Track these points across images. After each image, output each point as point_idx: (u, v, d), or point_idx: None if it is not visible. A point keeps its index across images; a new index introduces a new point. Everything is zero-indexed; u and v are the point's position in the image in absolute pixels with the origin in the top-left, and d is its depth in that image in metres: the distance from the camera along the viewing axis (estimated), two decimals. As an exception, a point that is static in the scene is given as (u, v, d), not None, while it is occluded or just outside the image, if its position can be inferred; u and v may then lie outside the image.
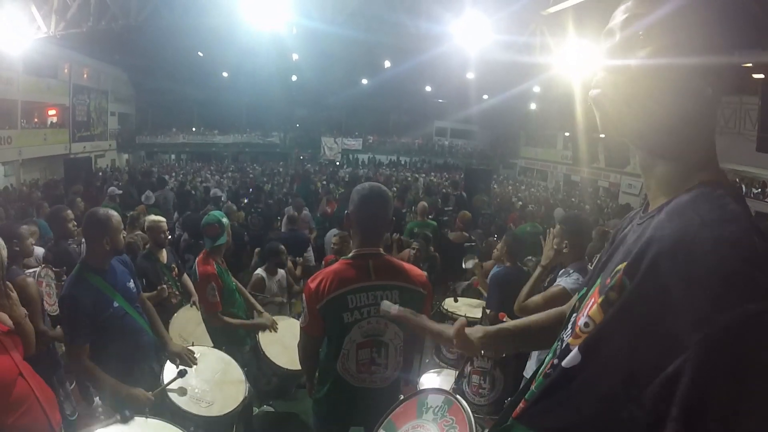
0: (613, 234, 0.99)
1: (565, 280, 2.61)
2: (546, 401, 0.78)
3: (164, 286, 3.61)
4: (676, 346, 0.56)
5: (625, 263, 0.69)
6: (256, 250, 5.19)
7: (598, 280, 0.83)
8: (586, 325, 0.70)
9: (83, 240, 3.32)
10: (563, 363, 0.73)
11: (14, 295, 1.65)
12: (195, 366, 2.61)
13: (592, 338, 0.69)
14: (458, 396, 1.40)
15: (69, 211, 4.05)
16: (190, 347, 2.73)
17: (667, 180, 0.74)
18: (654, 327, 0.59)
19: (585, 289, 0.96)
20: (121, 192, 8.90)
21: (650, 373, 0.58)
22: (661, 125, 0.71)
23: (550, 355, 0.90)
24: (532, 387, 0.84)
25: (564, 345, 0.78)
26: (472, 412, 1.29)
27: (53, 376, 3.05)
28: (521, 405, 0.86)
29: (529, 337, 1.15)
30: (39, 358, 2.55)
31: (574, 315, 0.87)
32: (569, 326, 0.85)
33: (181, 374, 2.44)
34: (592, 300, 0.78)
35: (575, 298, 1.02)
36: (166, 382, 2.43)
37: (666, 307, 0.58)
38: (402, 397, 1.43)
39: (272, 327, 3.32)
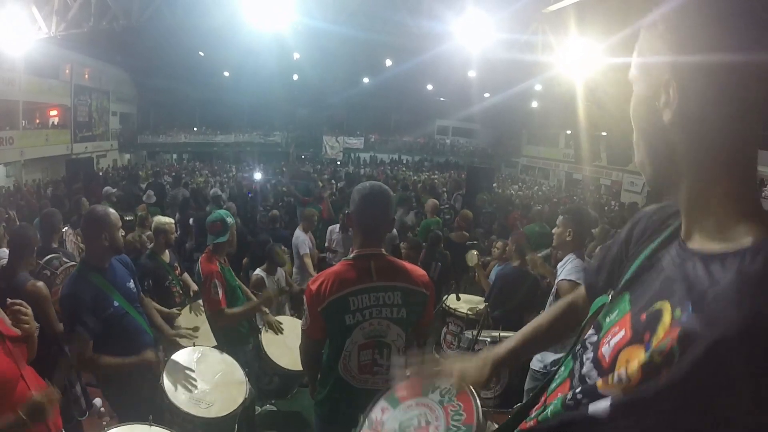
0: (630, 230, 0.89)
1: (567, 271, 2.74)
2: None
3: (175, 309, 3.60)
4: (727, 424, 0.55)
5: (668, 304, 0.65)
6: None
7: (627, 302, 0.76)
8: (619, 378, 0.66)
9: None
10: (589, 409, 0.69)
11: (29, 311, 1.66)
12: (196, 366, 2.62)
13: (629, 400, 0.65)
14: None
15: None
16: (193, 347, 2.74)
17: (710, 207, 0.67)
18: (706, 404, 0.57)
19: (605, 298, 0.87)
20: (114, 190, 8.95)
21: None
22: (692, 135, 0.65)
23: (565, 371, 0.83)
24: (547, 410, 0.79)
25: (591, 384, 0.73)
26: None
27: (65, 377, 3.02)
28: (532, 423, 0.83)
29: (539, 342, 1.18)
30: (53, 360, 2.55)
31: (594, 335, 0.80)
32: (590, 347, 0.78)
33: None
34: (622, 332, 0.71)
35: (591, 308, 0.92)
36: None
37: (725, 391, 0.56)
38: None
39: (276, 297, 3.35)
